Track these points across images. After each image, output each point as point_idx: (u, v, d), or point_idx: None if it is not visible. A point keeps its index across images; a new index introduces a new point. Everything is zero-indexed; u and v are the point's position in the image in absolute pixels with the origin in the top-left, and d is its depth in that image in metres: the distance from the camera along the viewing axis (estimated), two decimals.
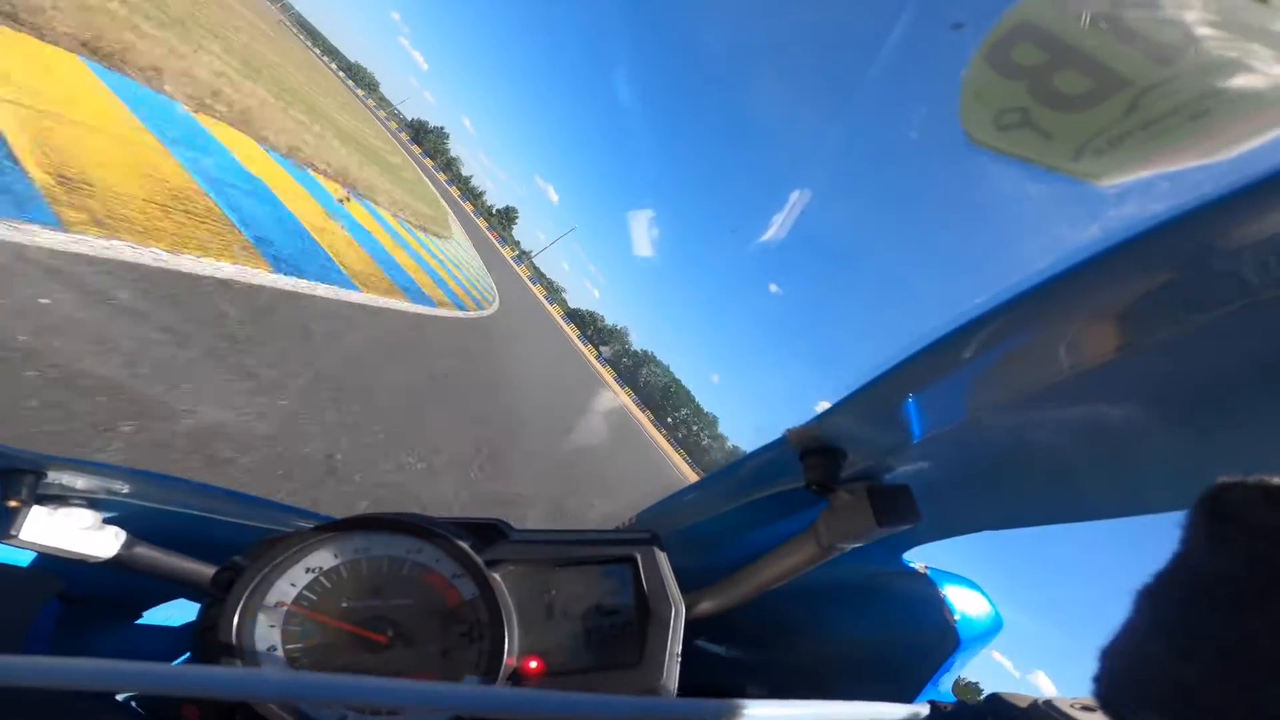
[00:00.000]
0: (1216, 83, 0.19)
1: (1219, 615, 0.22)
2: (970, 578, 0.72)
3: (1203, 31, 0.19)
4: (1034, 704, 0.49)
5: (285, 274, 4.79)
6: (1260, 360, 0.29)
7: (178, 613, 0.55)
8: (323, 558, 0.56)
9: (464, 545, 0.58)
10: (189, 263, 3.68)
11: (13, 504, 0.51)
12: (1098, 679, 0.25)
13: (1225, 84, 0.19)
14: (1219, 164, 0.20)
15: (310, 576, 0.56)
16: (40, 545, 0.52)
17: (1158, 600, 0.24)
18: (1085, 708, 0.48)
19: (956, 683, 0.70)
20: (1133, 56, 0.20)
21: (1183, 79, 0.20)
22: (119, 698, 0.64)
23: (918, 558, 0.70)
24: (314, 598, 0.55)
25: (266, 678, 0.23)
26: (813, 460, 0.54)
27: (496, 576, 0.59)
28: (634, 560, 0.65)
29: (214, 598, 0.53)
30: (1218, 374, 0.31)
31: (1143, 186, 0.22)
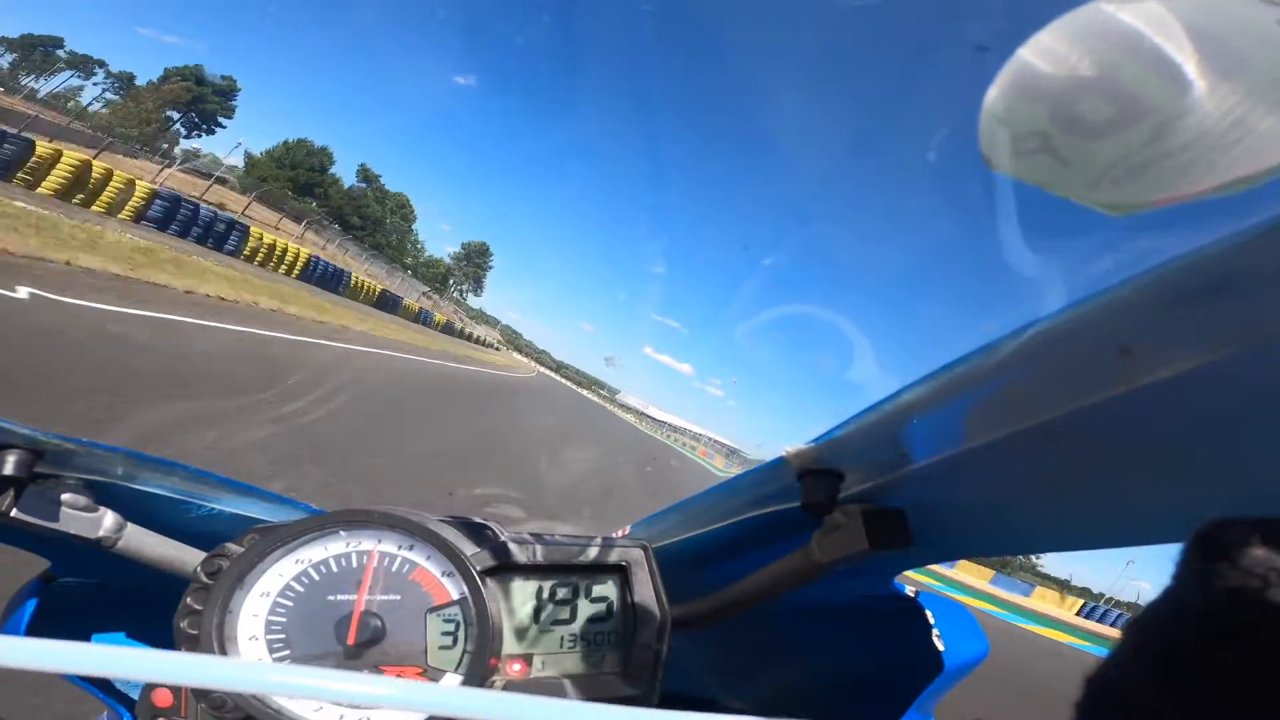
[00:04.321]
0: (1243, 113, 0.19)
1: (1202, 649, 0.22)
2: (960, 604, 0.71)
3: (1231, 59, 0.19)
4: None
5: None
6: (1267, 398, 0.29)
7: (164, 598, 0.55)
8: (313, 550, 0.56)
9: (455, 544, 0.58)
10: None
11: (7, 481, 0.51)
12: (1079, 705, 0.25)
13: (1252, 115, 0.19)
14: (1238, 198, 0.20)
15: (299, 568, 0.55)
16: (32, 524, 0.52)
17: (1144, 631, 0.24)
18: None
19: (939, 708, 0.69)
20: (1158, 83, 0.20)
21: (1208, 108, 0.20)
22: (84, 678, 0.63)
23: (909, 581, 0.70)
24: (301, 589, 0.55)
25: (234, 668, 0.22)
26: (810, 481, 0.54)
27: (485, 577, 0.58)
28: (625, 569, 0.65)
29: (201, 584, 0.53)
30: (1223, 410, 0.31)
31: (1159, 219, 0.22)
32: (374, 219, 66.23)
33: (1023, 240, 0.27)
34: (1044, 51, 0.22)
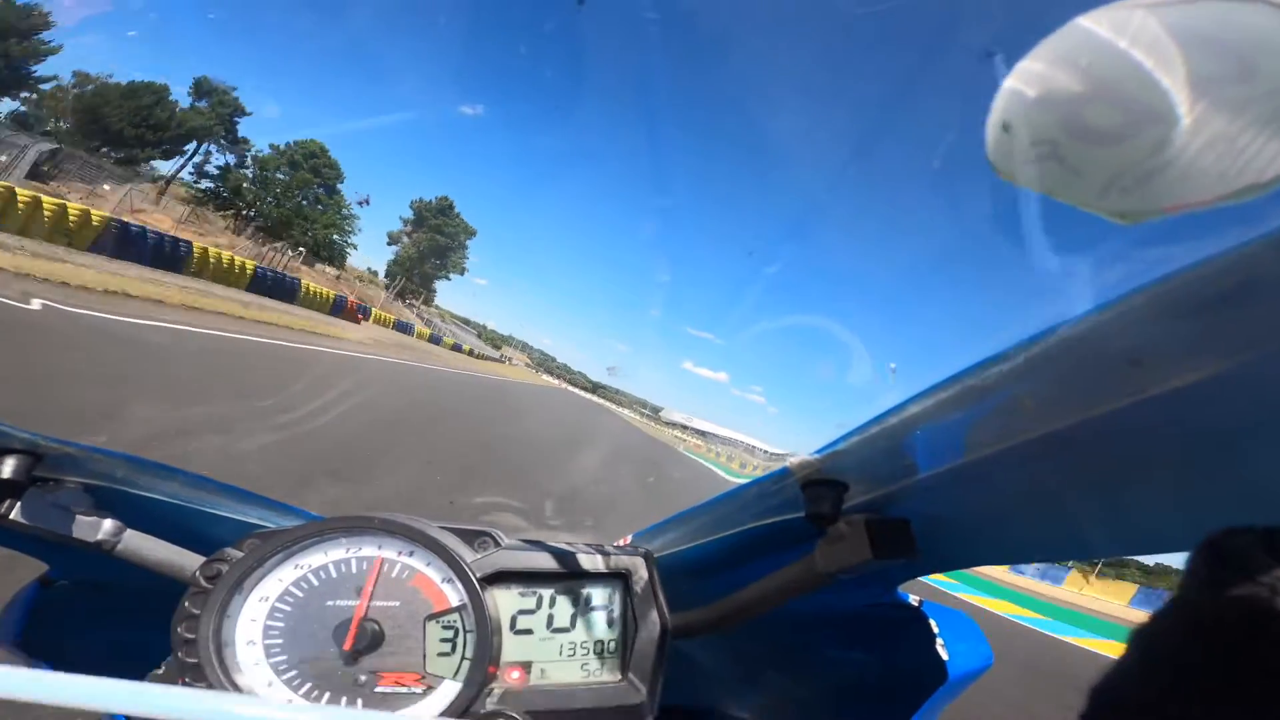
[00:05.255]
0: (1253, 121, 0.19)
1: (1209, 657, 0.22)
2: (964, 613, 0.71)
3: (1242, 66, 0.19)
4: None
5: None
6: (1278, 407, 0.28)
7: (162, 602, 0.54)
8: (313, 555, 0.56)
9: (455, 551, 0.58)
10: None
11: (7, 484, 0.50)
12: (1085, 716, 0.24)
13: (1262, 122, 0.19)
14: (1248, 206, 0.20)
15: (299, 573, 0.55)
16: (32, 527, 0.52)
17: (1151, 640, 0.24)
18: None
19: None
20: (1167, 91, 0.20)
21: (1218, 115, 0.20)
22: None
23: (915, 589, 0.69)
24: (300, 595, 0.54)
25: (221, 702, 0.22)
26: (814, 492, 0.54)
27: (485, 584, 0.58)
28: (625, 577, 0.64)
29: (199, 588, 0.53)
30: (1233, 419, 0.30)
31: (1170, 227, 0.22)
32: (196, 132, 39.92)
33: (1031, 250, 0.26)
34: (1052, 58, 0.22)
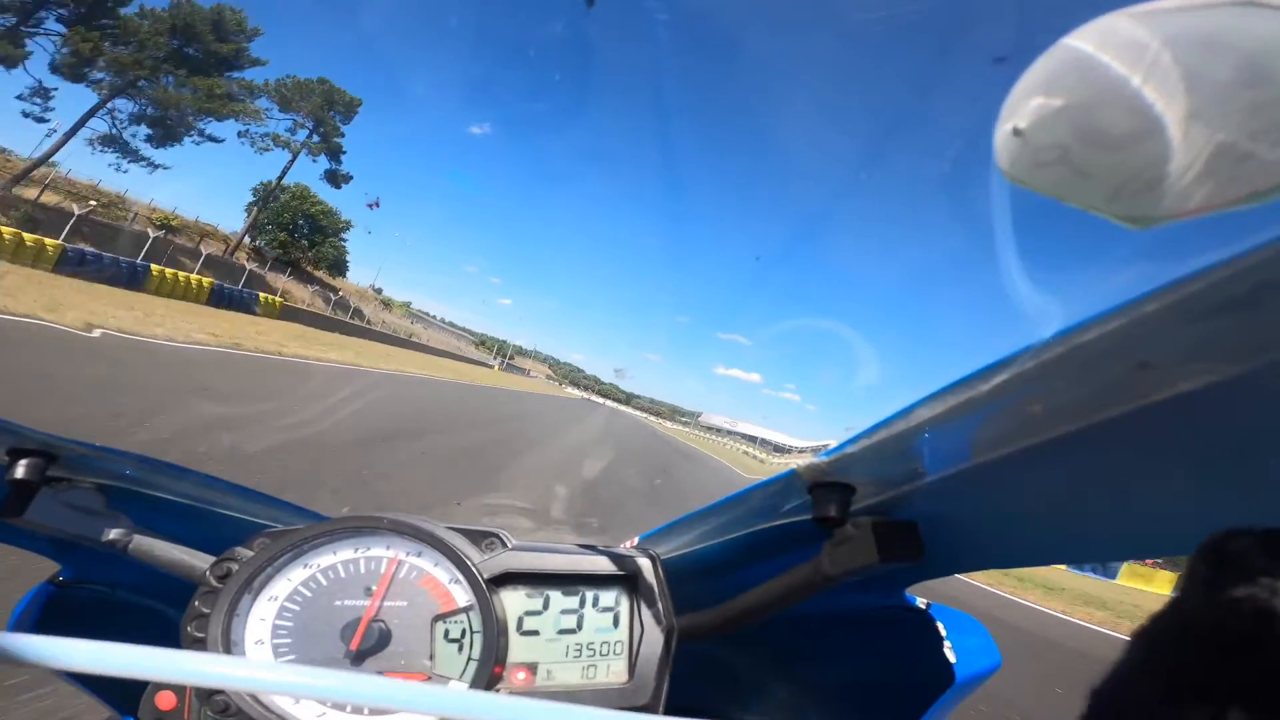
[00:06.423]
0: (1265, 125, 0.19)
1: (1208, 660, 0.22)
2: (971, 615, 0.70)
3: (1253, 71, 0.19)
4: None
5: None
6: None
7: (173, 601, 0.55)
8: (322, 556, 0.56)
9: (463, 552, 0.58)
10: None
11: (22, 484, 0.51)
12: (1084, 718, 0.24)
13: (1274, 127, 0.19)
14: (1258, 211, 0.20)
15: (308, 573, 0.55)
16: (44, 526, 0.52)
17: (1149, 643, 0.24)
18: None
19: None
20: (1178, 95, 0.20)
21: (1229, 118, 0.20)
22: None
23: (921, 592, 0.69)
24: (309, 594, 0.55)
25: (240, 668, 0.22)
26: (821, 494, 0.54)
27: (493, 585, 0.58)
28: (632, 579, 0.64)
29: (209, 587, 0.53)
30: (1240, 423, 0.30)
31: (1179, 232, 0.22)
32: None
33: (1040, 254, 0.26)
34: (1063, 64, 0.22)
